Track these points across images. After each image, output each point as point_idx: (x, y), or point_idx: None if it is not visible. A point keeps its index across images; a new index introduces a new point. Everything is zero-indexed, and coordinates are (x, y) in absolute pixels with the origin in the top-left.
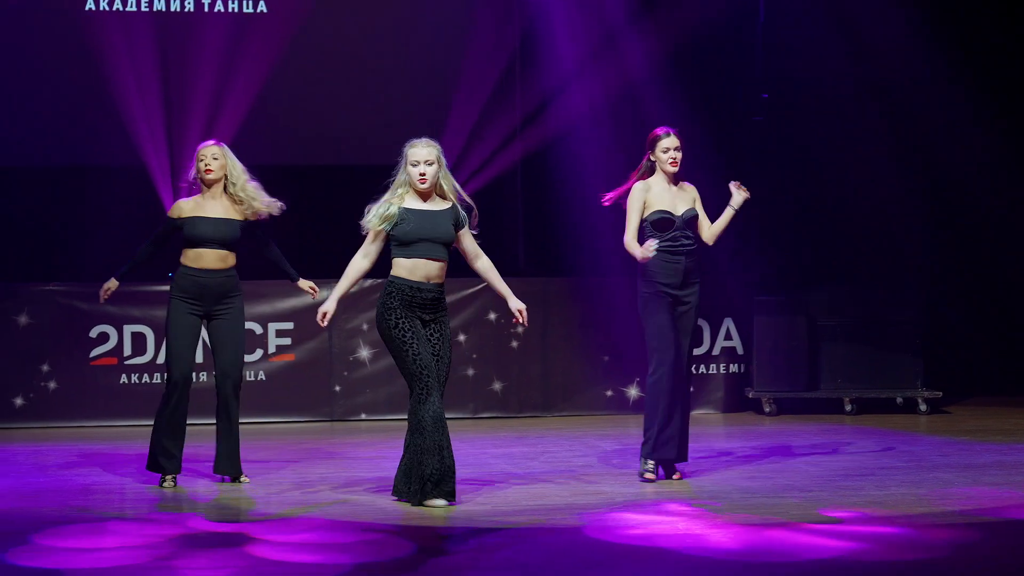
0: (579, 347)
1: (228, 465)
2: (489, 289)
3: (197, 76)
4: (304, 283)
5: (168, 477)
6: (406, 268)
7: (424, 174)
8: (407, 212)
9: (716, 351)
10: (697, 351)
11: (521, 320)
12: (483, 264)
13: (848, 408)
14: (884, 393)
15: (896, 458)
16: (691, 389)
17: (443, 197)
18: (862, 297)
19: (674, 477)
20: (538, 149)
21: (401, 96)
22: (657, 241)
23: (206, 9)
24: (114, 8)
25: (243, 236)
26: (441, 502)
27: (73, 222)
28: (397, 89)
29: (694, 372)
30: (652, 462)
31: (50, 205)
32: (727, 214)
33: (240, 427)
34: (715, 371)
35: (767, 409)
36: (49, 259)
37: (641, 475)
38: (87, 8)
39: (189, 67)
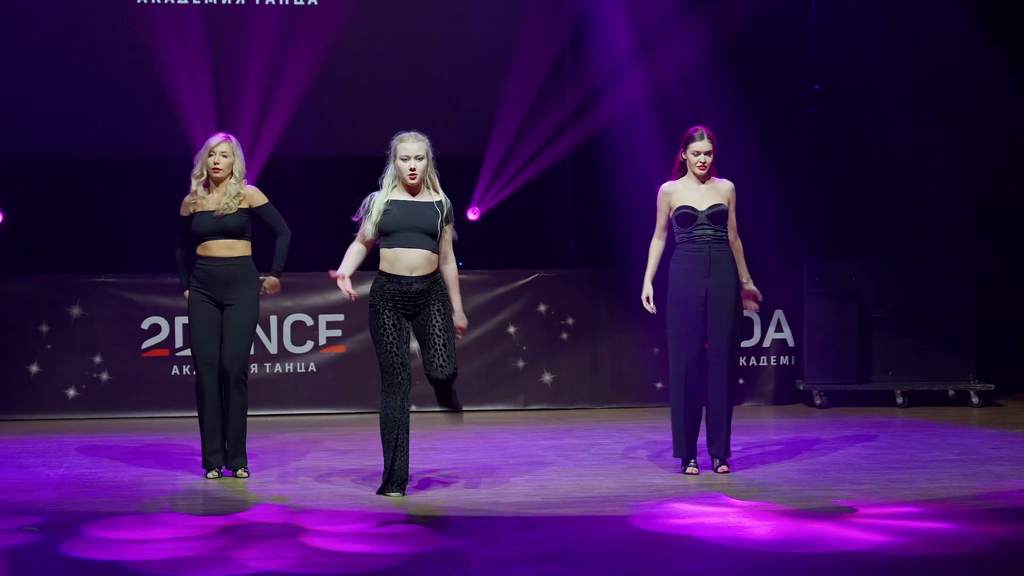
0: (629, 339)
1: (229, 458)
2: (539, 281)
3: (248, 68)
4: (270, 280)
5: (213, 469)
6: (388, 260)
7: (414, 169)
8: (391, 203)
9: (767, 343)
10: (748, 343)
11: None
12: (449, 271)
13: (899, 401)
14: (936, 386)
15: (948, 451)
16: (740, 381)
17: (435, 191)
18: (914, 289)
19: (720, 470)
20: (588, 141)
21: (452, 88)
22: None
23: (257, 1)
24: (165, 1)
25: (251, 222)
26: (396, 494)
27: (125, 214)
28: (448, 80)
29: (744, 364)
30: (692, 459)
31: (102, 197)
32: (742, 271)
33: (260, 420)
34: (766, 363)
35: (818, 401)
36: (101, 251)
37: (683, 471)
38: (139, 1)
39: (240, 59)
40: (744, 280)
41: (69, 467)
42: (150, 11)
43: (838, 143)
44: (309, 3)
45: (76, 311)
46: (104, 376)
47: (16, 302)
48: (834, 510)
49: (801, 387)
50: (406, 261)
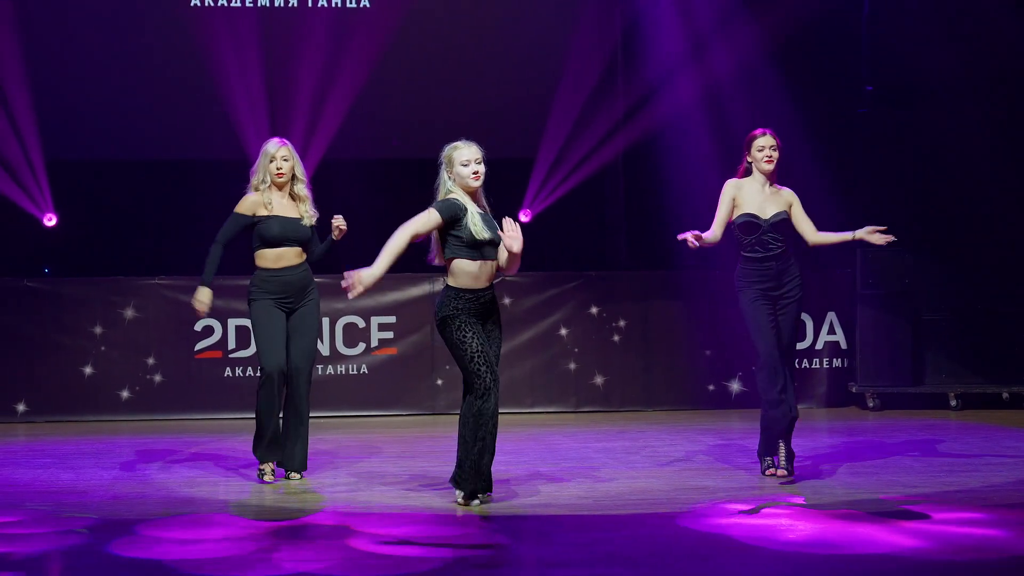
0: (681, 341)
1: (288, 459)
2: (591, 283)
3: (300, 70)
4: (337, 220)
5: (267, 470)
6: (471, 274)
7: (477, 172)
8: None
9: (819, 345)
10: (800, 345)
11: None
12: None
13: (953, 403)
14: (989, 388)
15: (1002, 454)
16: (794, 384)
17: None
18: (967, 291)
19: (776, 472)
20: (640, 142)
21: (503, 90)
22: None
23: (310, 4)
24: (219, 3)
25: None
26: (460, 493)
27: (178, 216)
28: (499, 83)
29: (796, 366)
30: (770, 458)
31: (155, 199)
32: (845, 236)
33: (311, 421)
34: (818, 365)
35: (871, 404)
36: (155, 253)
37: (763, 472)
38: (192, 4)
39: (293, 62)
40: (852, 235)
41: (122, 468)
42: (204, 14)
43: (891, 144)
44: (361, 5)
45: (130, 313)
46: (157, 378)
47: (70, 304)
48: (887, 513)
49: (854, 389)
50: (488, 274)
